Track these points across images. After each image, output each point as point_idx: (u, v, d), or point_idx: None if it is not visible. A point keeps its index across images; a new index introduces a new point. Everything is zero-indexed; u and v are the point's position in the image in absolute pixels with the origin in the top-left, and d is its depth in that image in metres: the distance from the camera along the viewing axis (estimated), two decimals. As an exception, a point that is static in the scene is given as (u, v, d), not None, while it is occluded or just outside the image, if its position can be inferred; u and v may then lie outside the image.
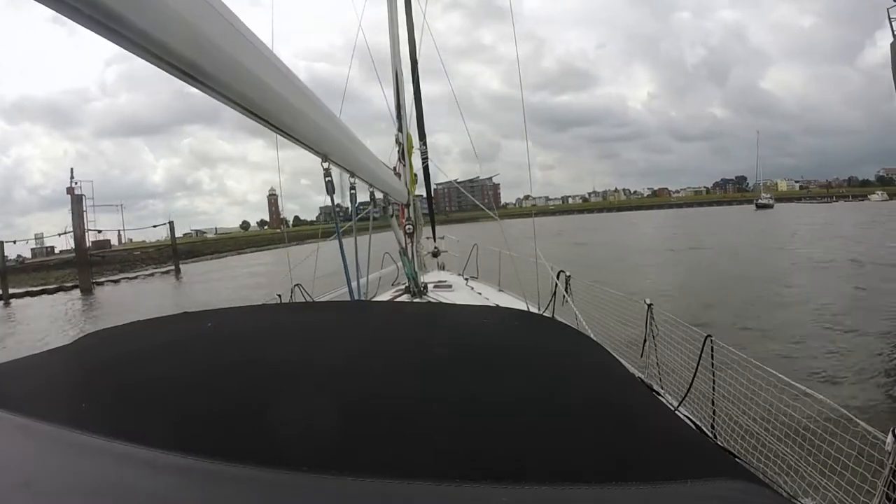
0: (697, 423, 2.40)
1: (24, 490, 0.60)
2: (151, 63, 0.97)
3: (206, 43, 1.02)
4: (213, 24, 1.03)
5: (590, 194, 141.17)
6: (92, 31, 0.83)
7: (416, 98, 6.17)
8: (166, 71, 1.01)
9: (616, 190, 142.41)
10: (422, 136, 6.32)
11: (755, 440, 2.40)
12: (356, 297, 2.84)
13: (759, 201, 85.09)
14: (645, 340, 3.20)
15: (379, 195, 3.65)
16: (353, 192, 2.70)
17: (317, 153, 2.04)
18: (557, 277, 4.28)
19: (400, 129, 5.52)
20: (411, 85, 6.10)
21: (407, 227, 5.59)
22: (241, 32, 1.16)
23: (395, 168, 5.16)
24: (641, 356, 3.20)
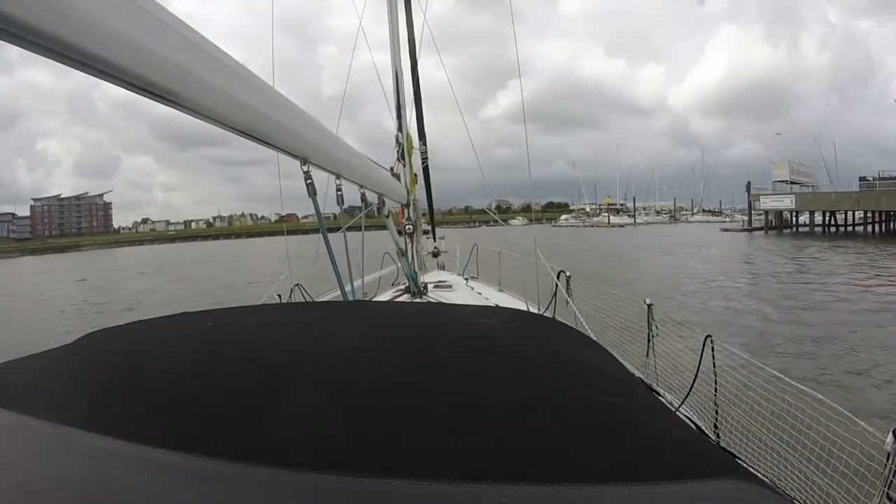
0: (698, 423, 2.39)
1: (24, 490, 0.60)
2: (110, 82, 0.96)
3: (162, 61, 1.02)
4: (167, 41, 1.04)
5: (215, 219, 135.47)
6: (48, 57, 0.83)
7: (415, 98, 6.16)
8: (126, 89, 1.01)
9: (243, 214, 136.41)
10: (421, 136, 6.31)
11: (756, 440, 2.40)
12: (353, 298, 2.83)
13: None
14: (649, 340, 3.21)
15: (372, 196, 3.61)
16: (339, 193, 2.66)
17: (295, 157, 2.00)
18: (558, 277, 4.28)
19: (400, 129, 5.51)
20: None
21: (407, 227, 5.58)
22: (199, 45, 1.15)
23: (392, 168, 5.14)
24: (647, 356, 3.20)
